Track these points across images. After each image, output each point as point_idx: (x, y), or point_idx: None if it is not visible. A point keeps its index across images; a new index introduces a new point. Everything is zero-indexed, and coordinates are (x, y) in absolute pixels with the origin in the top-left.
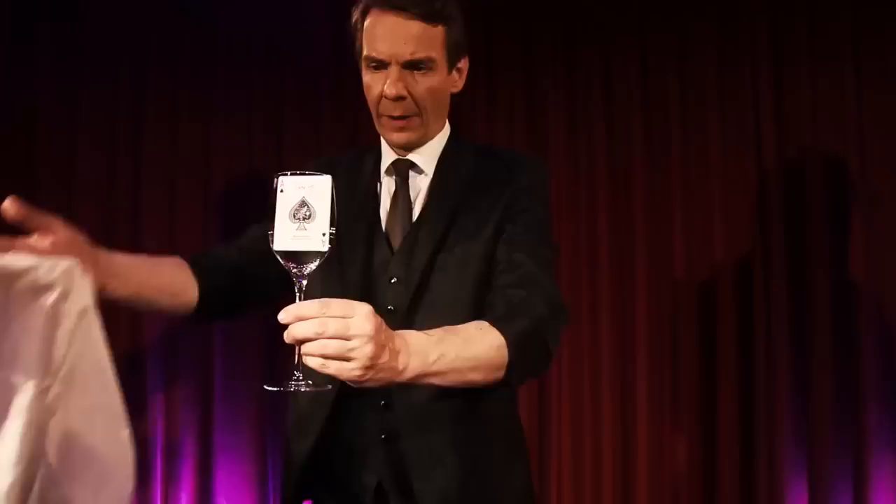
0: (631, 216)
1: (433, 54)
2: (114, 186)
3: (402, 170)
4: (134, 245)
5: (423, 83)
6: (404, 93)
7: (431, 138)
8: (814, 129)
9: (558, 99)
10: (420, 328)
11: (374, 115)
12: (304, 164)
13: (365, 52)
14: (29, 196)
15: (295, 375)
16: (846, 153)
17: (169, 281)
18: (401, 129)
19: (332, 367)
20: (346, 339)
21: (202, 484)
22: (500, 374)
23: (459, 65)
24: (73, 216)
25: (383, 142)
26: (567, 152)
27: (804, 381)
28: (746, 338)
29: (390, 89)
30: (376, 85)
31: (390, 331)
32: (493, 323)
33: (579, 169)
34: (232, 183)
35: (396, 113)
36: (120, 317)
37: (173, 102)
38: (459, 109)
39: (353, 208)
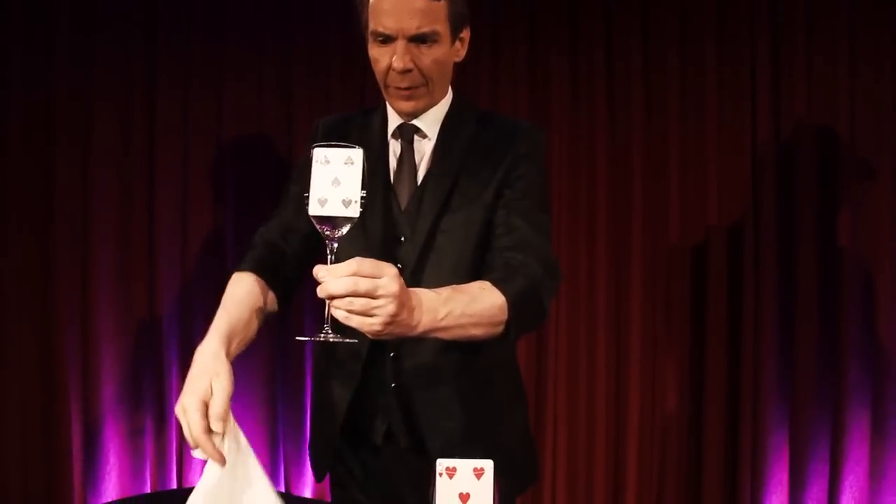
0: (629, 180)
1: (437, 27)
2: (128, 148)
3: (408, 134)
4: (148, 205)
5: (428, 55)
6: (411, 66)
7: (436, 105)
8: (808, 101)
9: (561, 65)
10: (427, 285)
11: (381, 85)
12: (313, 122)
13: (371, 27)
14: (46, 158)
15: (324, 328)
16: (838, 125)
17: (259, 316)
18: (408, 98)
19: (355, 321)
20: (374, 297)
21: None
22: (500, 329)
23: (462, 35)
24: (88, 177)
25: (389, 107)
26: (569, 117)
27: (789, 339)
28: (735, 299)
29: (398, 63)
30: (383, 58)
31: (408, 290)
32: (494, 283)
33: (580, 134)
34: (243, 141)
35: (403, 84)
36: (138, 268)
37: (185, 63)
38: (464, 74)
39: (368, 166)
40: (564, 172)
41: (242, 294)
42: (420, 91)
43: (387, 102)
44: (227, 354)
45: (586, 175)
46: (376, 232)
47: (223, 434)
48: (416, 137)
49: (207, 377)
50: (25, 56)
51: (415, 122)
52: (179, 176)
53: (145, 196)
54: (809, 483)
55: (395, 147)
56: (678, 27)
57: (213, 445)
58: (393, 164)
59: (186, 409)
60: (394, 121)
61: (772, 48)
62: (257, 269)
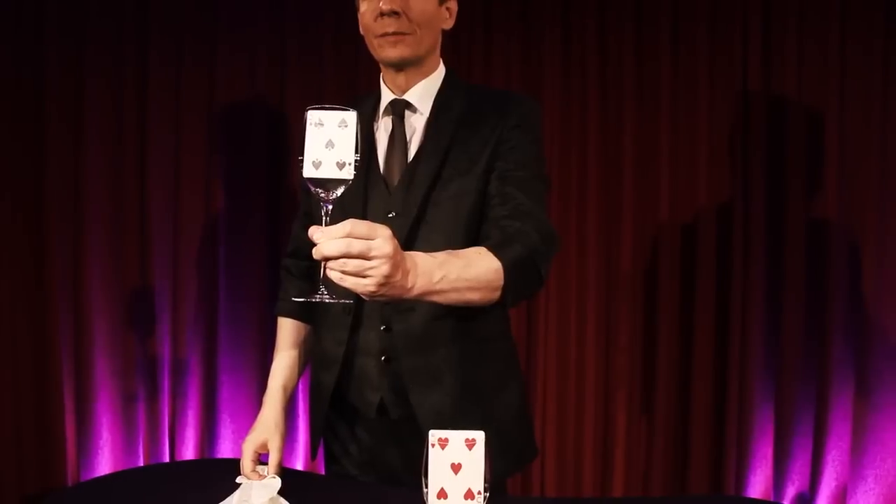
0: (620, 160)
1: None
2: (120, 126)
3: (399, 109)
4: (140, 181)
5: (416, 4)
6: (398, 8)
7: (426, 75)
8: (798, 82)
9: (553, 45)
10: None
11: (369, 43)
12: (306, 98)
13: None
14: (37, 136)
15: (320, 290)
16: (828, 106)
17: (303, 351)
18: (394, 44)
19: (349, 282)
20: (368, 258)
21: (207, 401)
22: (497, 294)
23: (448, 4)
24: (80, 157)
25: (382, 84)
26: (560, 97)
27: (776, 316)
28: (724, 275)
29: (386, 5)
30: (372, 8)
31: (403, 252)
32: (491, 249)
33: (571, 113)
34: (235, 119)
35: (391, 29)
36: (130, 243)
37: (177, 41)
38: (456, 54)
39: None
40: (555, 152)
41: (287, 340)
42: (407, 39)
43: (381, 81)
44: (284, 405)
45: (577, 154)
46: (363, 211)
47: (270, 475)
48: (407, 112)
49: (265, 436)
50: (15, 33)
51: (406, 96)
52: (172, 154)
53: (137, 173)
54: (793, 457)
55: (386, 124)
56: (671, 7)
57: (256, 476)
58: (384, 140)
59: (244, 452)
60: (386, 97)
61: (763, 29)
62: (291, 314)
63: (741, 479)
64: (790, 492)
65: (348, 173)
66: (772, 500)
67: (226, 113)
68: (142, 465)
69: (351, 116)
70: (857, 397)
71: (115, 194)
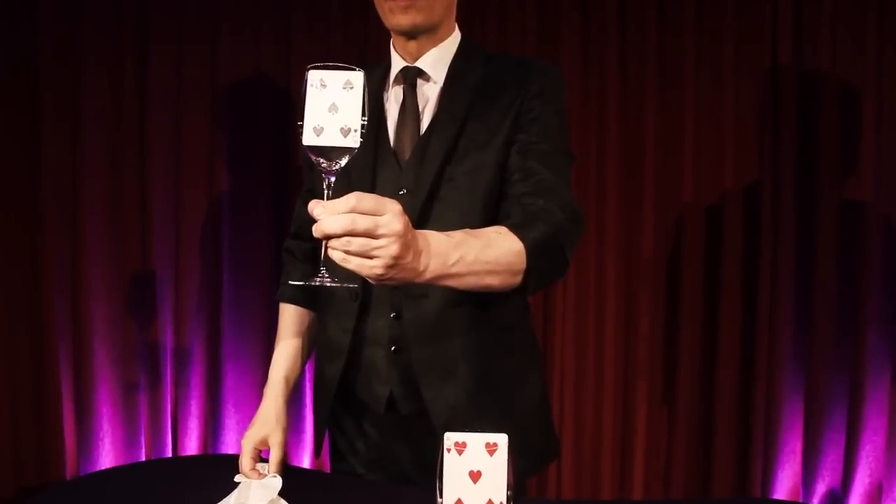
0: (641, 140)
1: None
2: (119, 108)
3: (411, 77)
4: (140, 164)
5: None
6: None
7: (440, 41)
8: (833, 58)
9: (572, 16)
10: None
11: (379, 7)
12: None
13: None
14: (33, 119)
15: (320, 272)
16: (864, 83)
17: (307, 339)
18: (406, 10)
19: (353, 263)
20: (374, 237)
21: (211, 390)
22: (518, 279)
23: None
24: (78, 139)
25: (393, 51)
26: (580, 71)
27: (806, 303)
28: (751, 261)
29: None
30: None
31: (415, 230)
32: (512, 229)
33: (591, 88)
34: (239, 99)
35: None
36: (131, 228)
37: (177, 19)
38: (471, 24)
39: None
40: (574, 131)
41: (289, 327)
42: (420, 4)
43: (392, 49)
44: (286, 398)
45: (596, 134)
46: (372, 187)
47: (270, 474)
48: (419, 81)
49: (265, 431)
50: (9, 12)
51: (419, 63)
52: (173, 136)
53: (138, 156)
54: (824, 453)
55: (397, 93)
56: None
57: (255, 475)
58: (395, 111)
59: (243, 449)
60: (397, 65)
61: (794, 1)
62: (293, 300)
63: (768, 475)
64: (820, 488)
65: (354, 140)
66: (800, 498)
67: (229, 93)
68: (143, 457)
69: (357, 77)
70: (892, 390)
71: (115, 178)
